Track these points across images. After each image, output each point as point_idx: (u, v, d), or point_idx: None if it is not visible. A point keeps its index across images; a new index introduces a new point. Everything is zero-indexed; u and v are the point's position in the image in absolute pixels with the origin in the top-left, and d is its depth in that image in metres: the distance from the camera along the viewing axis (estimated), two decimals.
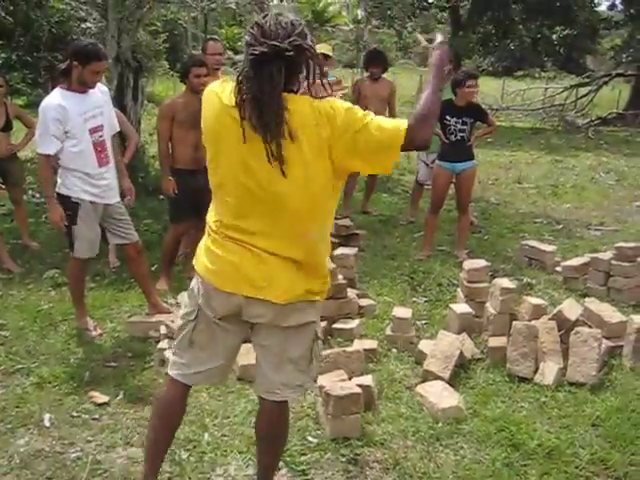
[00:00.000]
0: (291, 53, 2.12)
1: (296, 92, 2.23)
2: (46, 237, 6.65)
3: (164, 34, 24.35)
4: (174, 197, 5.09)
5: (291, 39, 2.13)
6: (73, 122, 4.07)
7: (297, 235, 2.30)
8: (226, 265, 2.33)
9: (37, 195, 8.17)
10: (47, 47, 17.87)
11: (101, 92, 4.28)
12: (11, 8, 14.13)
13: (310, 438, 3.24)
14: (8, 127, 6.18)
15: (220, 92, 2.27)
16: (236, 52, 29.86)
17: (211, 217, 2.41)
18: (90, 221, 4.25)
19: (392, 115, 7.34)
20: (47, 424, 3.37)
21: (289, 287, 2.33)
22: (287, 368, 2.45)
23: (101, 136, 4.23)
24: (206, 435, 3.26)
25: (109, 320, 4.63)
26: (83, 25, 16.97)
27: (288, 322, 2.38)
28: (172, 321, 3.99)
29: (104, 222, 4.35)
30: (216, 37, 6.30)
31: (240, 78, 2.17)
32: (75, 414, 3.46)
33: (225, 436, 3.26)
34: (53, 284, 5.26)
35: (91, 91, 4.19)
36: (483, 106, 6.75)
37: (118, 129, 4.56)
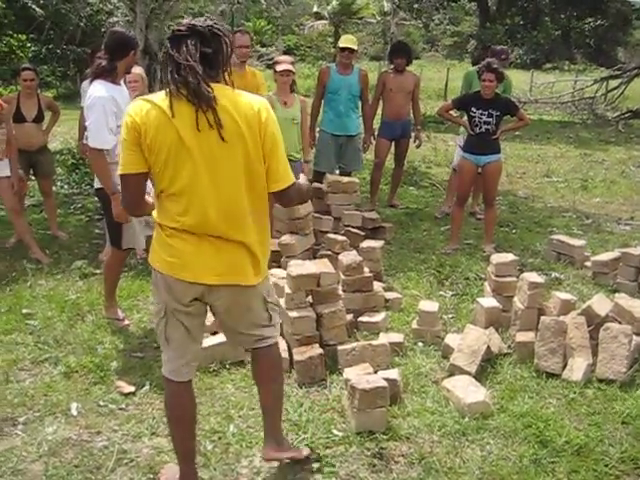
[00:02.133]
0: (204, 30, 2.34)
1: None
2: (74, 228, 6.72)
3: None
4: None
5: (207, 24, 2.37)
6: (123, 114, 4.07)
7: (240, 216, 2.48)
8: (186, 256, 2.46)
9: (65, 186, 8.26)
10: (76, 40, 18.06)
11: (126, 82, 4.33)
12: (42, 1, 14.30)
13: (335, 431, 3.23)
14: (40, 118, 6.27)
15: (153, 101, 2.40)
16: (263, 45, 29.91)
17: (162, 217, 2.49)
18: None
19: (416, 108, 7.28)
20: (74, 413, 3.40)
21: (246, 271, 2.55)
22: (254, 324, 2.73)
23: None
24: (231, 426, 3.26)
25: (136, 311, 4.66)
26: (111, 19, 17.16)
27: (246, 297, 2.62)
28: None
29: None
30: (244, 29, 6.28)
31: (162, 59, 2.41)
32: (102, 403, 3.48)
33: (250, 428, 3.26)
34: (81, 274, 5.31)
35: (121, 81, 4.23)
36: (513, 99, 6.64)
37: None
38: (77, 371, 3.80)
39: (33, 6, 13.75)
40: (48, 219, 6.64)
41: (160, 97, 2.39)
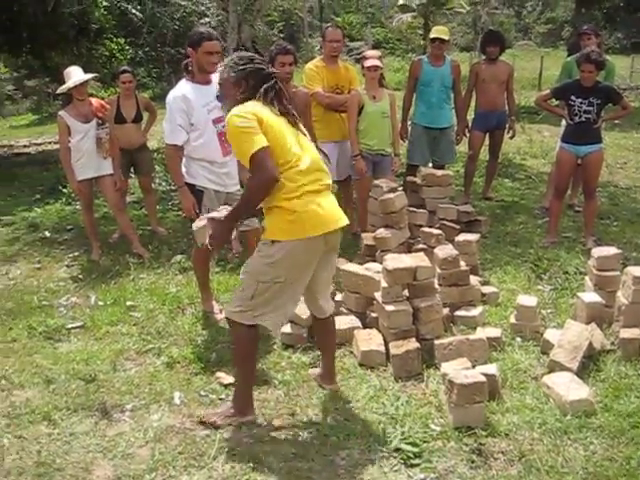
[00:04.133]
0: None
1: None
2: (173, 224, 6.95)
3: (280, 23, 24.78)
4: None
5: None
6: (197, 113, 4.18)
7: None
8: (313, 213, 3.01)
9: (163, 183, 8.54)
10: (170, 42, 18.64)
11: None
12: (139, 7, 14.82)
13: (433, 426, 3.20)
14: (139, 118, 6.50)
15: None
16: (351, 39, 29.84)
17: (286, 191, 2.99)
18: (213, 208, 4.38)
19: (510, 99, 7.10)
20: (177, 402, 3.52)
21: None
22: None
23: (224, 126, 4.31)
24: (329, 419, 3.29)
25: None
26: (203, 20, 17.61)
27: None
28: None
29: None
30: (335, 24, 6.29)
31: None
32: (203, 393, 3.59)
33: (347, 420, 3.28)
34: (180, 269, 5.48)
35: (215, 82, 4.29)
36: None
37: None
38: (179, 362, 3.94)
39: (133, 10, 14.26)
40: (148, 215, 6.89)
41: None
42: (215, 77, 4.36)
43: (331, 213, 3.12)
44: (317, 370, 3.69)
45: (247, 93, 3.12)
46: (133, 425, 3.33)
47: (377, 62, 5.60)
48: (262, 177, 2.96)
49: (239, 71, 3.13)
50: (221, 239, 3.22)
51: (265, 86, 3.10)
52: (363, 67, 5.69)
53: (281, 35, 24.94)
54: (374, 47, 25.95)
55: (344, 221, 3.18)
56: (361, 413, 3.33)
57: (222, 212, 3.23)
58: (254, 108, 3.04)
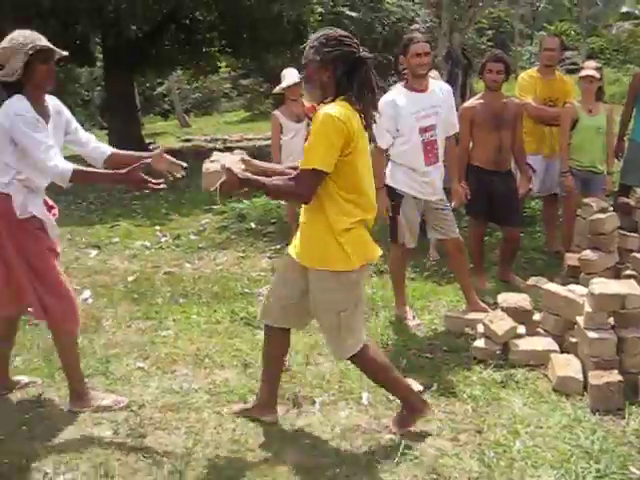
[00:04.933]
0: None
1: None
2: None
3: (490, 31, 24.32)
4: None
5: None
6: (404, 120, 4.23)
7: None
8: (367, 240, 3.06)
9: None
10: (380, 48, 19.05)
11: (442, 91, 4.40)
12: (353, 14, 15.31)
13: (632, 469, 2.96)
14: None
15: None
16: (565, 48, 28.58)
17: (345, 218, 2.94)
18: (411, 213, 4.42)
19: None
20: (365, 402, 3.58)
21: None
22: None
23: (432, 135, 4.32)
24: (517, 442, 3.17)
25: (427, 312, 4.76)
26: (413, 26, 17.83)
27: None
28: (490, 321, 3.97)
29: (425, 216, 4.49)
30: (555, 33, 6.09)
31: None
32: (391, 397, 3.58)
33: (537, 447, 3.14)
34: (376, 271, 5.57)
35: (430, 89, 4.32)
36: None
37: (457, 130, 4.62)
38: None
39: (347, 12, 14.77)
40: None
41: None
42: (433, 84, 4.39)
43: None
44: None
45: (335, 81, 2.91)
46: (321, 419, 3.43)
47: (592, 72, 5.32)
48: (298, 192, 2.93)
49: (325, 53, 2.87)
50: (231, 190, 3.00)
51: (358, 82, 2.89)
52: (580, 78, 5.45)
53: (489, 44, 24.47)
54: (589, 57, 24.59)
55: None
56: (552, 441, 3.17)
57: (236, 157, 3.11)
58: (351, 119, 2.87)
